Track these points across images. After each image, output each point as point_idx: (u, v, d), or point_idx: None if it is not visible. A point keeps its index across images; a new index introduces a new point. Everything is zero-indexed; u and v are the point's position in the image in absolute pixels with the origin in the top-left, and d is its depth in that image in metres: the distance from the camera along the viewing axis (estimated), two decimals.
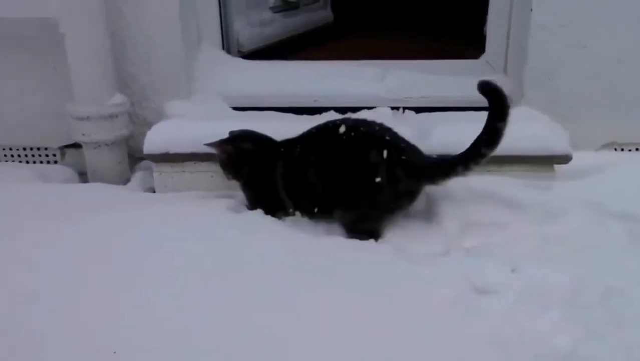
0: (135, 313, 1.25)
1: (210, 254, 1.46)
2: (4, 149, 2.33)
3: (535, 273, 1.38)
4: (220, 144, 1.72)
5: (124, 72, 2.19)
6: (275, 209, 1.69)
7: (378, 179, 1.55)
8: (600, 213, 1.65)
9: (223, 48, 2.74)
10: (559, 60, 2.08)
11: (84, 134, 2.06)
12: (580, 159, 1.86)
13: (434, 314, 1.26)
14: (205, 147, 1.73)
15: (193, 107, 2.17)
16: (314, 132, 1.67)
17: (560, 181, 1.85)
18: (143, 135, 1.96)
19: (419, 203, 1.67)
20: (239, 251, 1.47)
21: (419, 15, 4.88)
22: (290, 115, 2.10)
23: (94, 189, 1.99)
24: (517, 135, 1.57)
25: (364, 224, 1.61)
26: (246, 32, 2.98)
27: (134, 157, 2.24)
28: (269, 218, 1.67)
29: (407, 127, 1.79)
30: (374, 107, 2.15)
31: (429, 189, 1.67)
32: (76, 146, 2.21)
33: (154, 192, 1.98)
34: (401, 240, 1.60)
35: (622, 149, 2.18)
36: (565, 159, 1.85)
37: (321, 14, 4.15)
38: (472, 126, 1.88)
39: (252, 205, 1.75)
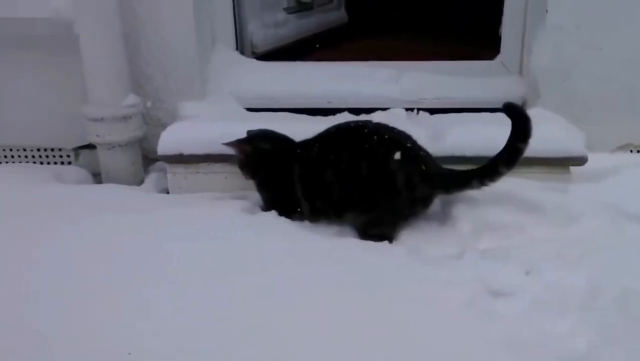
0: (135, 313, 1.25)
1: (210, 254, 1.47)
2: (18, 150, 2.35)
3: (551, 276, 1.37)
4: (238, 143, 1.72)
5: (138, 73, 2.20)
6: (291, 210, 1.68)
7: (397, 185, 1.55)
8: (617, 215, 1.63)
9: (237, 49, 2.74)
10: (575, 61, 2.06)
11: (98, 135, 2.06)
12: (596, 160, 1.84)
13: (448, 317, 1.25)
14: (219, 148, 1.73)
15: (207, 108, 2.18)
16: (334, 132, 1.66)
17: (576, 183, 1.83)
18: (157, 136, 1.96)
19: (434, 205, 1.67)
20: (241, 252, 1.48)
21: (433, 16, 4.87)
22: (304, 116, 2.10)
23: (108, 190, 2.00)
24: (533, 137, 1.56)
25: (378, 229, 1.61)
26: (260, 33, 2.98)
27: (148, 158, 2.25)
28: (282, 219, 1.67)
29: (422, 129, 1.78)
30: (388, 108, 2.14)
31: None
32: (90, 147, 2.22)
33: (168, 193, 1.98)
34: (415, 242, 1.59)
35: (639, 151, 2.16)
36: (581, 160, 1.84)
37: (335, 15, 4.14)
38: (487, 128, 1.88)
39: (268, 206, 1.74)
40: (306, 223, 1.67)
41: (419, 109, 2.21)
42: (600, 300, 1.30)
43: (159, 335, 1.18)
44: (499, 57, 2.63)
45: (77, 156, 2.33)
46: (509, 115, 1.54)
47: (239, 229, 1.59)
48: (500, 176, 1.56)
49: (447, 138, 1.86)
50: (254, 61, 2.69)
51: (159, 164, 2.16)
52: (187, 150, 1.91)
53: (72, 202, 1.83)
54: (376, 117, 1.93)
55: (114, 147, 2.09)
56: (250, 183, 1.77)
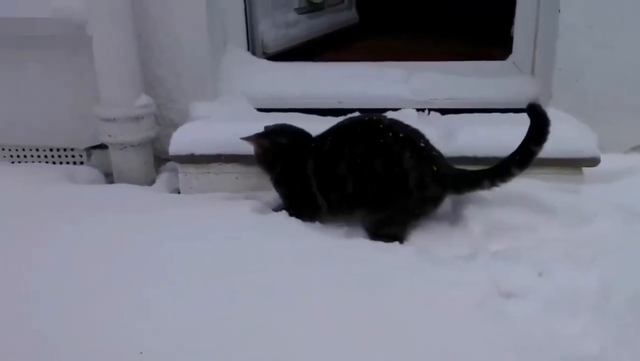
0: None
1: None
2: (31, 150, 2.36)
3: (563, 277, 1.36)
4: (257, 138, 1.71)
5: (150, 73, 2.21)
6: (308, 206, 1.67)
7: (408, 184, 1.55)
8: (630, 216, 1.62)
9: (248, 49, 2.75)
10: (587, 61, 2.05)
11: (110, 135, 2.07)
12: (609, 161, 1.83)
13: (459, 318, 1.25)
14: (230, 148, 1.74)
15: (218, 108, 2.18)
16: (347, 125, 1.65)
17: (589, 184, 1.82)
18: (169, 136, 1.97)
19: (445, 205, 1.66)
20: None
21: (444, 16, 4.86)
22: (315, 116, 2.10)
23: (120, 190, 2.01)
24: None
25: (388, 229, 1.60)
26: (271, 33, 2.98)
27: (160, 158, 2.25)
28: (292, 219, 1.66)
29: (433, 129, 1.78)
30: (399, 108, 2.14)
31: None
32: (102, 147, 2.23)
33: (179, 193, 1.99)
34: (426, 242, 1.59)
35: None
36: (593, 161, 1.82)
37: (346, 15, 4.14)
38: (498, 128, 1.88)
39: (286, 202, 1.74)
40: (317, 224, 1.66)
41: (430, 110, 2.20)
42: (612, 301, 1.29)
43: (159, 335, 1.19)
44: (510, 57, 2.62)
45: (89, 156, 2.35)
46: (530, 115, 1.53)
47: (245, 229, 1.59)
48: (511, 177, 1.55)
49: (458, 138, 1.86)
50: (265, 61, 2.70)
51: (171, 164, 2.17)
52: (199, 150, 1.91)
53: (80, 201, 1.84)
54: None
55: (125, 147, 2.10)
56: (261, 184, 1.78)
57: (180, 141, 1.94)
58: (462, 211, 1.66)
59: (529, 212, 1.63)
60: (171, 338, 1.17)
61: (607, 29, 2.02)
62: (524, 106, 2.15)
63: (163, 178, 2.14)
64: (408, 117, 2.02)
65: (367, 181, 1.57)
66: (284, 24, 3.19)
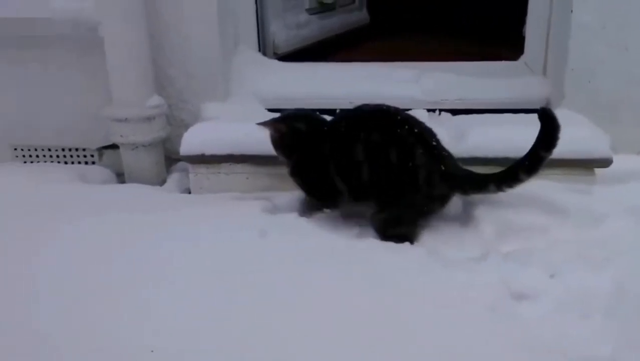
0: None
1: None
2: (43, 149, 2.38)
3: (575, 279, 1.35)
4: (273, 122, 1.70)
5: (161, 74, 2.22)
6: (328, 191, 1.65)
7: (418, 180, 1.55)
8: None
9: (259, 50, 2.75)
10: (600, 61, 2.04)
11: (121, 136, 2.08)
12: (621, 162, 1.82)
13: (469, 319, 1.24)
14: (241, 148, 1.74)
15: (229, 108, 2.19)
16: (365, 110, 1.64)
17: (601, 185, 1.81)
18: (180, 137, 1.98)
19: (456, 206, 1.66)
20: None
21: (455, 17, 4.84)
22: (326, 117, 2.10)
23: (130, 190, 2.02)
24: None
25: (398, 229, 1.60)
26: (282, 34, 2.99)
27: (171, 158, 2.26)
28: (302, 219, 1.67)
29: (444, 129, 1.77)
30: (410, 109, 2.13)
31: None
32: (114, 147, 2.24)
33: (190, 193, 2.00)
34: (436, 243, 1.58)
35: None
36: (606, 162, 1.81)
37: (357, 16, 4.14)
38: (510, 129, 1.87)
39: (306, 190, 1.72)
40: (327, 224, 1.66)
41: (440, 110, 2.20)
42: (624, 303, 1.28)
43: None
44: (522, 58, 2.61)
45: (101, 156, 2.36)
46: (541, 120, 1.52)
47: (252, 229, 1.58)
48: (519, 182, 1.55)
49: (469, 139, 1.85)
50: (276, 61, 2.70)
51: (181, 164, 2.18)
52: (209, 150, 1.92)
53: (87, 201, 1.85)
54: None
55: (137, 147, 2.11)
56: (272, 184, 1.78)
57: (191, 141, 1.94)
58: (473, 212, 1.66)
59: (540, 213, 1.62)
60: (171, 338, 1.17)
61: (620, 29, 2.01)
62: (535, 107, 2.15)
63: (174, 178, 2.15)
64: (419, 117, 2.02)
65: (381, 169, 1.56)
66: (295, 25, 3.19)
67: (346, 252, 1.50)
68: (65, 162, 2.38)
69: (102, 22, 1.99)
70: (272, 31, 2.91)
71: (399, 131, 1.56)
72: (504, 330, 1.21)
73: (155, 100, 2.09)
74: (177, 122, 2.26)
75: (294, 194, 1.79)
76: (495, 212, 1.63)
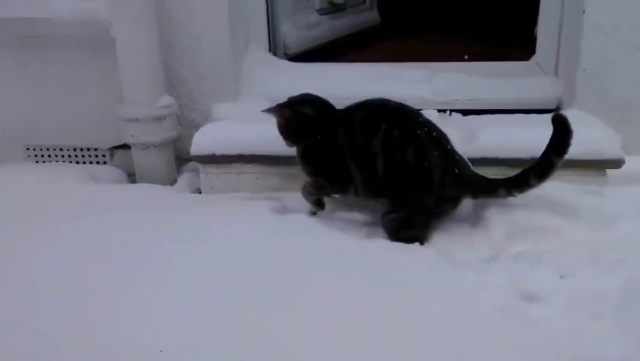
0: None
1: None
2: (55, 149, 2.39)
3: (586, 280, 1.35)
4: (278, 108, 1.68)
5: (172, 74, 2.23)
6: (340, 177, 1.64)
7: (433, 180, 1.55)
8: None
9: (270, 50, 2.76)
10: (612, 61, 2.03)
11: (132, 136, 2.09)
12: (633, 163, 1.81)
13: (479, 321, 1.24)
14: (251, 148, 1.73)
15: (239, 109, 2.19)
16: (386, 104, 1.63)
17: (613, 186, 1.80)
18: (190, 137, 1.98)
19: (466, 207, 1.65)
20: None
21: (466, 17, 4.83)
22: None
23: (141, 190, 2.03)
24: None
25: (410, 231, 1.59)
26: (293, 34, 2.99)
27: (181, 158, 2.27)
28: (312, 219, 1.67)
29: (454, 129, 1.77)
30: (421, 109, 2.13)
31: None
32: (125, 147, 2.25)
33: (200, 193, 2.00)
34: (446, 244, 1.58)
35: None
36: (617, 163, 1.80)
37: (368, 16, 4.13)
38: (521, 129, 1.86)
39: (315, 175, 1.69)
40: (337, 224, 1.66)
41: (451, 110, 2.19)
42: (636, 305, 1.27)
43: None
44: (534, 58, 2.59)
45: (112, 156, 2.37)
46: (554, 124, 1.52)
47: (259, 229, 1.59)
48: (530, 187, 1.55)
49: (480, 139, 1.84)
50: (287, 62, 2.71)
51: (192, 164, 2.18)
52: (220, 150, 1.92)
53: (93, 201, 1.86)
54: None
55: (148, 147, 2.11)
56: (281, 184, 1.78)
57: (202, 142, 1.95)
58: (483, 213, 1.65)
59: (551, 214, 1.62)
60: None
61: (633, 30, 1.99)
62: (547, 107, 2.15)
63: (185, 178, 2.15)
64: (429, 117, 2.01)
65: (397, 165, 1.56)
66: (306, 25, 3.19)
67: (355, 252, 1.49)
68: (77, 162, 2.39)
69: (114, 23, 2.00)
70: (283, 31, 2.91)
71: (419, 132, 1.56)
72: (514, 331, 1.20)
73: (166, 100, 2.10)
74: (187, 122, 2.27)
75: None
76: (506, 213, 1.62)
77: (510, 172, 1.61)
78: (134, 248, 1.50)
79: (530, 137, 1.72)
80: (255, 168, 1.93)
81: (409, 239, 1.57)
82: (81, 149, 2.39)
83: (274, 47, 2.85)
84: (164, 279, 1.36)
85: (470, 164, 1.69)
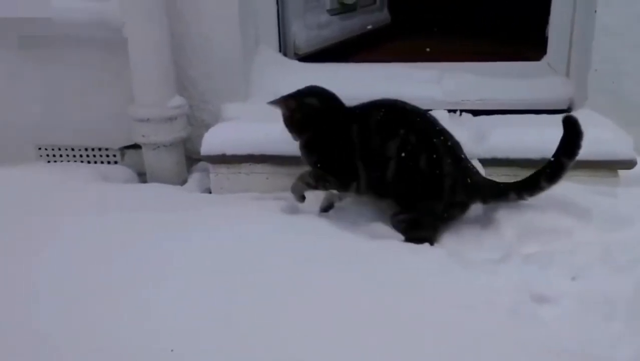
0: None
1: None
2: (67, 149, 2.41)
3: (598, 282, 1.34)
4: (283, 100, 1.68)
5: (183, 75, 2.24)
6: (345, 173, 1.63)
7: (443, 187, 1.54)
8: None
9: (280, 51, 2.76)
10: (624, 62, 2.02)
11: (143, 136, 2.10)
12: None
13: (490, 322, 1.23)
14: (261, 148, 1.73)
15: (249, 109, 2.19)
16: (408, 110, 1.61)
17: (625, 187, 1.79)
18: (200, 137, 1.99)
19: (477, 208, 1.65)
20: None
21: (476, 17, 4.82)
22: None
23: (151, 190, 2.03)
24: None
25: (418, 232, 1.59)
26: (303, 34, 2.99)
27: (192, 158, 2.28)
28: (322, 220, 1.67)
29: (465, 130, 1.77)
30: (431, 110, 2.12)
31: None
32: (136, 147, 2.26)
33: (210, 193, 2.01)
34: (456, 245, 1.57)
35: None
36: (629, 164, 1.79)
37: (378, 16, 4.14)
38: (532, 130, 1.85)
39: (315, 169, 1.67)
40: (345, 225, 1.65)
41: (462, 111, 2.18)
42: None
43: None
44: (545, 58, 2.59)
45: (123, 155, 2.38)
46: (565, 126, 1.51)
47: (266, 229, 1.58)
48: (541, 190, 1.54)
49: (491, 139, 1.84)
50: (297, 62, 2.71)
51: (202, 164, 2.19)
52: (230, 150, 1.92)
53: (121, 201, 1.86)
54: None
55: (158, 147, 2.12)
56: (291, 184, 1.77)
57: (212, 142, 1.95)
58: (494, 214, 1.64)
59: (562, 215, 1.61)
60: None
61: None
62: (558, 107, 2.13)
63: (195, 178, 2.16)
64: (439, 118, 2.01)
65: (408, 170, 1.55)
66: (316, 25, 3.19)
67: (361, 253, 1.49)
68: (88, 162, 2.41)
69: (126, 23, 2.01)
70: (293, 32, 2.92)
71: (434, 140, 1.56)
72: (526, 333, 1.20)
73: (177, 100, 2.11)
74: (198, 122, 2.28)
75: (314, 195, 1.79)
76: (517, 214, 1.61)
77: (521, 173, 1.60)
78: (134, 248, 1.50)
79: (541, 137, 1.72)
80: (265, 168, 1.93)
81: (418, 240, 1.56)
82: (92, 149, 2.40)
83: (284, 47, 2.85)
84: (164, 279, 1.36)
85: (481, 165, 1.68)
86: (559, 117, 1.53)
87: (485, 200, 1.61)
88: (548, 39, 2.57)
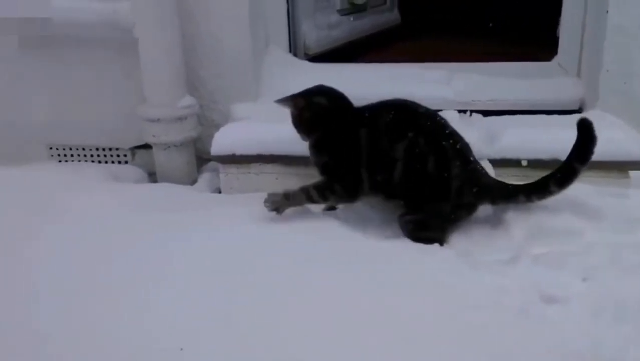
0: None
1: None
2: (77, 149, 2.42)
3: (608, 284, 1.33)
4: (292, 98, 1.67)
5: (193, 75, 2.24)
6: (349, 176, 1.61)
7: (451, 189, 1.54)
8: None
9: (290, 51, 2.77)
10: (636, 62, 2.00)
11: (154, 135, 2.11)
12: None
13: (499, 323, 1.23)
14: (271, 148, 1.73)
15: (259, 109, 2.20)
16: (419, 112, 1.60)
17: (636, 188, 1.78)
18: (210, 137, 1.99)
19: (486, 208, 1.64)
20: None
21: (486, 17, 4.80)
22: None
23: (162, 190, 2.04)
24: None
25: (426, 233, 1.58)
26: (313, 34, 3.00)
27: (202, 158, 2.28)
28: (332, 219, 1.66)
29: (474, 130, 1.76)
30: (441, 110, 2.12)
31: None
32: (146, 147, 2.27)
33: (220, 193, 2.01)
34: (466, 246, 1.57)
35: None
36: None
37: (388, 16, 4.13)
38: (542, 130, 1.84)
39: (322, 171, 1.66)
40: (354, 225, 1.65)
41: (472, 111, 2.18)
42: None
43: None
44: (556, 58, 2.57)
45: (133, 155, 2.39)
46: (579, 129, 1.49)
47: (270, 229, 1.59)
48: (550, 194, 1.53)
49: (501, 140, 1.83)
50: (307, 62, 2.71)
51: (212, 164, 2.20)
52: (240, 150, 1.93)
53: (131, 200, 1.87)
54: None
55: (169, 147, 2.13)
56: (300, 184, 1.77)
57: (222, 142, 1.96)
58: (504, 215, 1.63)
59: (573, 216, 1.60)
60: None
61: None
62: (569, 108, 2.12)
63: (205, 178, 2.17)
64: (450, 118, 2.01)
65: (416, 173, 1.54)
66: (326, 26, 3.20)
67: (373, 252, 1.49)
68: (99, 162, 2.42)
69: (137, 24, 2.02)
70: (303, 32, 2.92)
71: (444, 143, 1.55)
72: (536, 335, 1.19)
73: (187, 100, 2.12)
74: (208, 122, 2.29)
75: None
76: (527, 215, 1.60)
77: (532, 173, 1.59)
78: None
79: (552, 138, 1.71)
80: (275, 168, 1.93)
81: (427, 240, 1.56)
82: (103, 149, 2.41)
83: (294, 47, 2.85)
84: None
85: (491, 166, 1.67)
86: (570, 118, 1.52)
87: (494, 201, 1.60)
88: (559, 39, 2.55)
